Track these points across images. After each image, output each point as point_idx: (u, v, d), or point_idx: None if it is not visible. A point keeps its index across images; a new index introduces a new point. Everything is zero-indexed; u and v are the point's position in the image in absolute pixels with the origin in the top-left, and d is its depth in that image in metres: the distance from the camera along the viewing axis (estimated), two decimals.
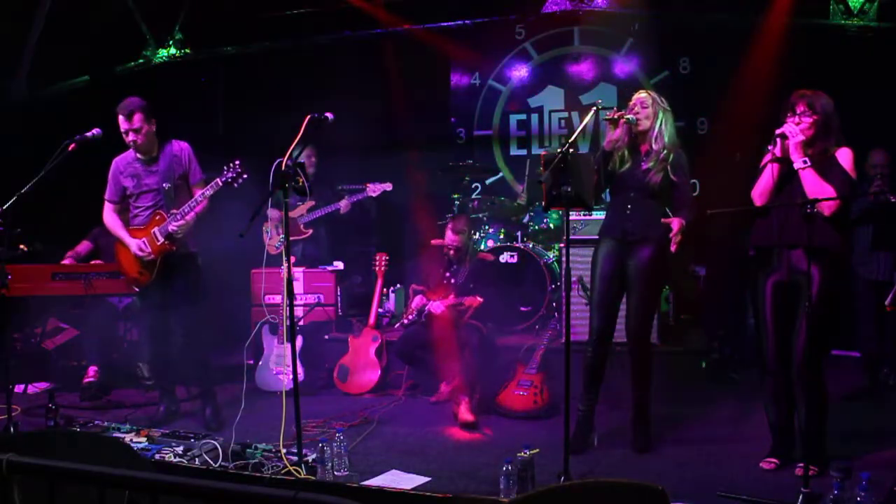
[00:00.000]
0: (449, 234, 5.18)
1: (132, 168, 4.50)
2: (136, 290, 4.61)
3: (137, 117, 4.32)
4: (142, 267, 4.48)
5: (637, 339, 3.94)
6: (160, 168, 4.45)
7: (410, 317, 5.18)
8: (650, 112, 3.87)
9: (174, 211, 4.36)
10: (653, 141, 3.88)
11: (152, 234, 4.41)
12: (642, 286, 3.89)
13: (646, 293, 3.91)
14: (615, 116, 3.82)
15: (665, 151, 3.84)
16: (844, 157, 3.42)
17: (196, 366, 4.58)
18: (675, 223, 3.80)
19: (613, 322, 3.99)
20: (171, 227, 4.34)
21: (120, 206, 4.58)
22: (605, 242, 3.98)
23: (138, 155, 4.48)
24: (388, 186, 5.96)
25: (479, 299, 4.84)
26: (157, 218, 4.42)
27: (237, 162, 4.25)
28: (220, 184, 4.27)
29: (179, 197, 4.45)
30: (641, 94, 3.95)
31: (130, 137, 4.36)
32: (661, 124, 3.87)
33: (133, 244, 4.43)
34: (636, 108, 3.88)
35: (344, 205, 6.02)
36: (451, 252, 5.19)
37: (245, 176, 4.24)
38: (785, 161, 3.45)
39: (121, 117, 4.34)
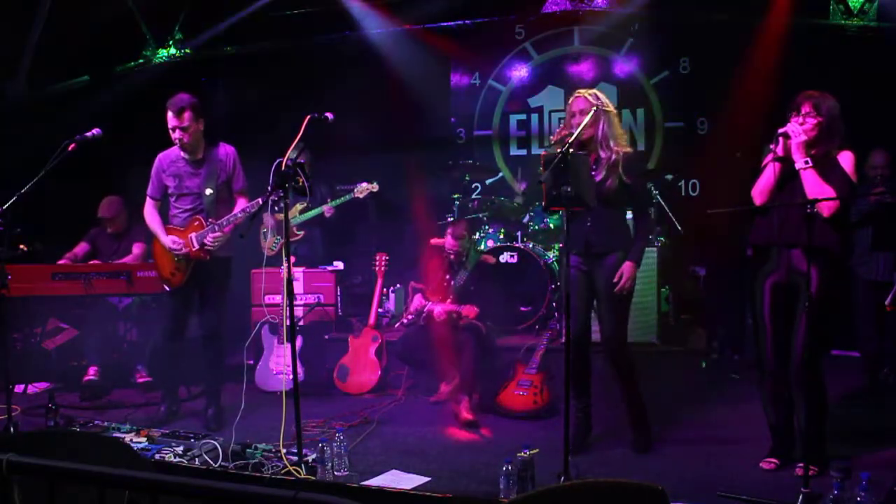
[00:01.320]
0: (448, 240, 5.16)
1: (175, 167, 4.46)
2: (167, 288, 4.58)
3: (187, 115, 4.27)
4: (175, 268, 4.47)
5: (614, 346, 3.91)
6: (203, 171, 4.41)
7: (409, 317, 5.18)
8: (590, 120, 3.66)
9: (213, 222, 4.33)
10: (599, 148, 3.77)
11: (189, 239, 4.38)
12: (611, 293, 3.84)
13: (615, 301, 3.86)
14: (557, 139, 3.70)
15: (614, 156, 3.75)
16: (846, 160, 3.40)
17: (212, 366, 4.59)
18: (627, 270, 3.77)
19: (589, 325, 3.98)
20: (207, 240, 4.33)
21: (161, 202, 4.56)
22: (571, 253, 3.89)
23: (183, 154, 4.43)
24: (375, 187, 5.91)
25: (475, 310, 4.84)
26: (196, 224, 4.40)
27: None
28: (261, 203, 4.15)
29: (220, 202, 4.42)
30: (578, 99, 3.78)
31: (177, 135, 4.31)
32: (603, 128, 3.73)
33: (167, 239, 4.41)
34: (575, 117, 3.74)
35: (327, 209, 6.01)
36: (452, 256, 5.19)
37: (289, 200, 4.17)
38: (786, 160, 3.44)
39: (170, 114, 4.29)
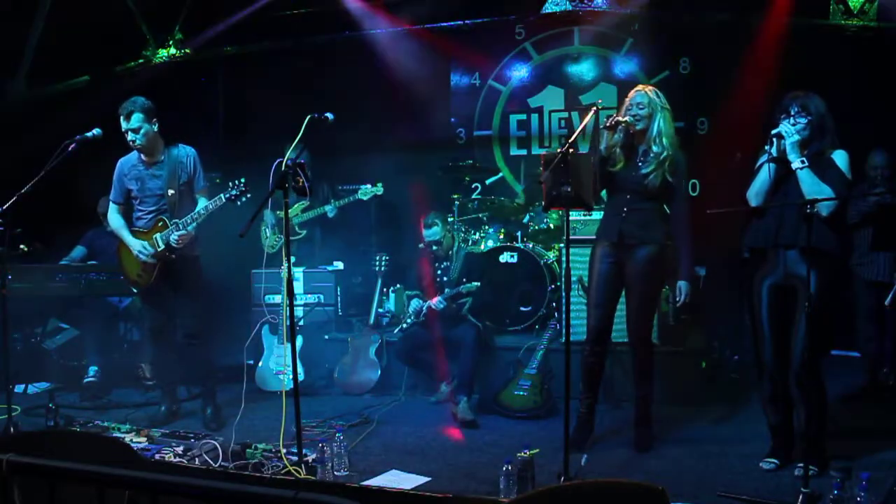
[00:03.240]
0: (424, 231, 5.21)
1: (136, 171, 4.49)
2: (135, 290, 4.61)
3: (135, 118, 4.30)
4: (141, 269, 4.49)
5: (639, 339, 3.95)
6: (164, 173, 4.43)
7: (408, 320, 5.19)
8: (647, 112, 3.81)
9: (176, 221, 4.36)
10: (652, 143, 3.82)
11: (154, 240, 4.41)
12: (642, 287, 3.89)
13: (646, 294, 3.91)
14: (612, 123, 3.77)
15: (665, 154, 3.80)
16: (840, 158, 3.42)
17: (198, 366, 4.61)
18: (682, 289, 3.92)
19: (610, 322, 3.99)
20: (171, 239, 4.35)
21: (125, 206, 4.59)
22: (603, 244, 3.97)
23: (142, 157, 4.46)
24: (379, 190, 5.96)
25: (476, 283, 4.87)
26: (160, 224, 4.42)
27: (242, 180, 4.25)
28: (224, 200, 4.27)
29: (183, 203, 4.44)
30: (638, 94, 3.87)
31: (129, 138, 4.35)
32: (659, 125, 3.81)
33: (136, 245, 4.44)
34: (632, 109, 3.84)
35: (330, 209, 6.02)
36: (433, 247, 5.20)
37: (249, 195, 4.22)
38: (781, 161, 3.44)
39: (121, 118, 4.33)
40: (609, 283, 3.93)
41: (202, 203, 4.44)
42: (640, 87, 3.94)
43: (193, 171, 4.50)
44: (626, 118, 3.80)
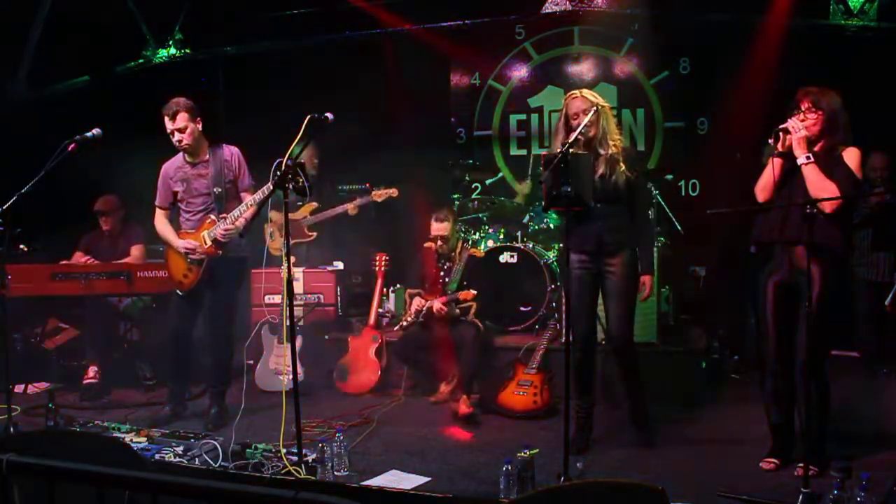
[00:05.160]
0: (434, 225, 5.18)
1: (181, 173, 4.50)
2: (179, 292, 4.57)
3: (181, 116, 4.32)
4: (187, 269, 4.48)
5: (621, 343, 3.94)
6: (210, 172, 4.44)
7: (409, 318, 5.19)
8: (594, 118, 3.73)
9: (223, 216, 4.36)
10: (598, 147, 3.80)
11: (202, 238, 4.42)
12: (621, 290, 3.88)
13: (624, 297, 3.90)
14: (570, 141, 3.64)
15: (612, 153, 3.79)
16: (851, 156, 3.38)
17: (219, 366, 4.61)
18: (647, 283, 3.89)
19: (595, 324, 4.02)
20: (217, 233, 4.35)
21: (171, 211, 4.60)
22: (577, 253, 3.92)
23: (186, 157, 4.48)
24: (394, 192, 5.98)
25: (472, 292, 4.88)
26: (208, 222, 4.43)
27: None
28: (272, 188, 4.05)
29: (229, 201, 4.45)
30: (576, 100, 3.82)
31: (176, 138, 4.36)
32: (603, 127, 3.78)
33: (180, 243, 4.45)
34: (578, 117, 3.77)
35: (351, 207, 6.03)
36: (440, 243, 5.19)
37: (289, 199, 4.12)
38: (788, 156, 3.43)
39: (165, 119, 4.34)
40: (588, 289, 3.93)
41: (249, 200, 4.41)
42: (573, 93, 3.88)
43: (239, 169, 4.51)
44: (580, 131, 3.65)
